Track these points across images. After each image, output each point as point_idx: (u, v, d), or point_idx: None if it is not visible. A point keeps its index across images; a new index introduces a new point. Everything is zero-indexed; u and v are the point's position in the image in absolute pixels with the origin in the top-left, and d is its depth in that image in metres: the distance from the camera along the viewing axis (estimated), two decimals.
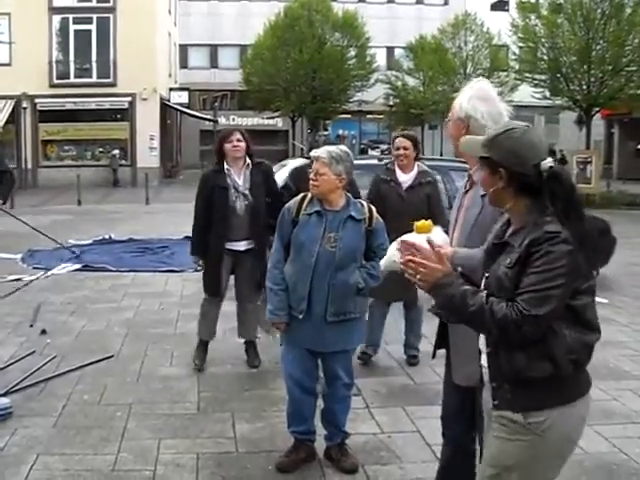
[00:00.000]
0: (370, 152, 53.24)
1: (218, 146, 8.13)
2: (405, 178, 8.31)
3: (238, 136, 7.99)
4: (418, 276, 3.33)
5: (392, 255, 3.88)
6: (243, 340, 8.52)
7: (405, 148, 8.23)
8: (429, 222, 3.86)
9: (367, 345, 8.25)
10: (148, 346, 9.00)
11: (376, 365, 8.43)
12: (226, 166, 8.03)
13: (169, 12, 50.24)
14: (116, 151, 42.74)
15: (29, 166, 41.94)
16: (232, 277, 8.41)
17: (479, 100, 4.35)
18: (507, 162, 3.32)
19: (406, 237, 3.62)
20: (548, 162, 3.28)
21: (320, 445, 5.99)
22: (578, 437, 3.49)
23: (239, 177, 8.04)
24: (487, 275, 3.46)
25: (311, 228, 5.59)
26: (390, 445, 6.26)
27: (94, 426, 6.61)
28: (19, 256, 16.03)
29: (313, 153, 5.70)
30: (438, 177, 13.16)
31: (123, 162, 42.74)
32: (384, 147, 54.34)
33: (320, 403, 5.99)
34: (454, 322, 3.47)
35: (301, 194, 5.81)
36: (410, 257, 3.37)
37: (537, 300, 3.15)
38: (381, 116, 55.58)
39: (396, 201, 8.11)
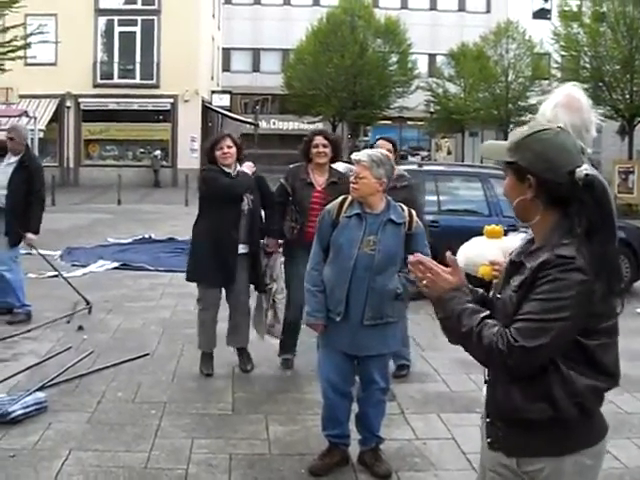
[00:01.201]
0: (410, 159, 53.07)
1: (208, 151, 8.10)
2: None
3: (228, 142, 7.98)
4: (424, 282, 2.96)
5: (476, 256, 3.68)
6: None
7: (389, 151, 7.82)
8: (500, 227, 3.72)
9: None
10: (184, 346, 8.98)
11: (412, 371, 8.33)
12: (224, 168, 7.99)
13: (213, 16, 50.46)
14: (158, 152, 43.00)
15: (71, 165, 42.38)
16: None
17: (564, 109, 4.00)
18: (536, 168, 2.88)
19: (474, 241, 3.38)
20: (584, 169, 2.83)
21: (354, 449, 5.94)
22: None
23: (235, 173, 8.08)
24: (498, 297, 3.06)
25: (351, 231, 5.56)
26: (425, 452, 6.19)
27: (128, 423, 6.63)
28: (58, 253, 16.10)
29: (354, 156, 5.67)
30: (477, 184, 13.18)
31: (164, 163, 42.98)
32: (424, 154, 54.22)
33: (355, 407, 5.94)
34: (451, 342, 3.01)
35: (341, 196, 5.78)
36: (416, 258, 3.00)
37: (531, 331, 2.75)
38: (421, 123, 55.38)
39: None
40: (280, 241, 8.27)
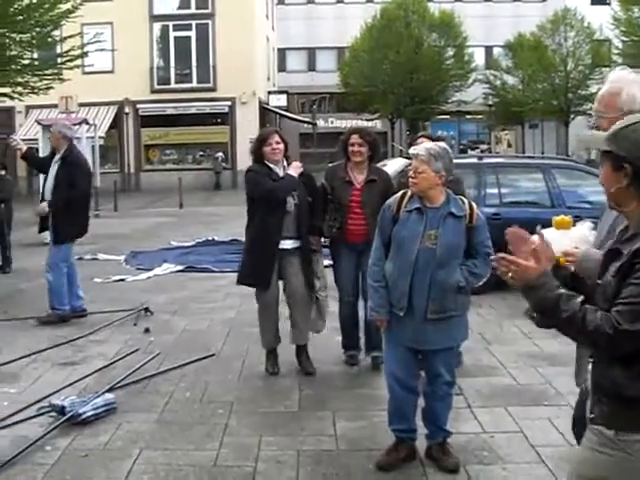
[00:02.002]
0: (470, 152, 52.73)
1: (256, 148, 8.02)
2: None
3: (277, 138, 7.91)
4: (510, 274, 3.07)
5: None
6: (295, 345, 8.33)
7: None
8: (569, 218, 3.69)
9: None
10: (249, 345, 9.01)
11: (478, 365, 8.29)
12: (270, 165, 7.94)
13: (267, 17, 50.73)
14: (220, 154, 43.27)
15: (132, 170, 42.94)
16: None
17: None
18: (633, 156, 2.98)
19: (543, 232, 3.37)
20: None
21: (421, 444, 5.92)
22: None
23: (282, 173, 7.99)
24: (599, 283, 3.14)
25: (411, 225, 5.54)
26: (493, 445, 6.14)
27: (196, 422, 6.70)
28: (122, 257, 16.31)
29: (412, 150, 5.66)
30: (539, 175, 13.05)
31: (224, 165, 43.24)
32: (484, 147, 53.82)
33: (422, 401, 5.92)
34: (545, 327, 3.18)
35: (401, 191, 5.78)
36: (502, 254, 3.12)
37: (632, 314, 2.86)
38: (480, 116, 54.91)
39: None
40: (322, 240, 8.29)
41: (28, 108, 37.89)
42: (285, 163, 8.03)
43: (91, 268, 15.28)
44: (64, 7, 23.55)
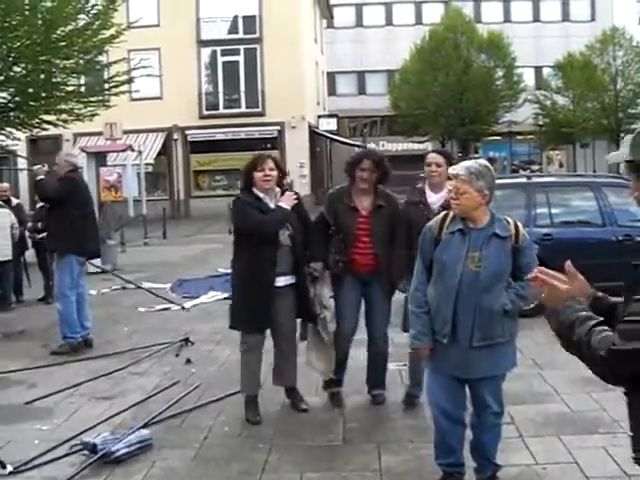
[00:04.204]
0: (521, 172, 52.20)
1: (247, 171, 7.31)
2: (435, 199, 7.40)
3: (271, 164, 7.19)
4: (543, 295, 2.93)
5: None
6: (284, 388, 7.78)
7: (438, 165, 7.32)
8: None
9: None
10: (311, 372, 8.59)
11: (530, 391, 7.93)
12: (259, 194, 7.24)
13: (315, 41, 50.67)
14: (290, 179, 42.69)
15: (181, 197, 42.92)
16: None
17: None
18: None
19: None
20: None
21: (470, 478, 5.61)
22: None
23: (272, 204, 7.27)
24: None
25: (454, 247, 5.26)
26: (545, 477, 5.82)
27: (234, 459, 6.44)
28: (168, 285, 16.11)
29: (451, 171, 5.35)
30: (590, 194, 12.67)
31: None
32: (536, 167, 53.20)
33: (469, 433, 5.62)
34: (569, 352, 2.88)
35: (443, 212, 5.45)
36: (535, 274, 2.98)
37: (630, 332, 2.60)
38: (531, 136, 54.44)
39: (423, 225, 7.01)
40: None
41: (76, 136, 38.24)
42: (278, 194, 7.33)
43: (136, 297, 15.15)
44: (108, 33, 23.49)
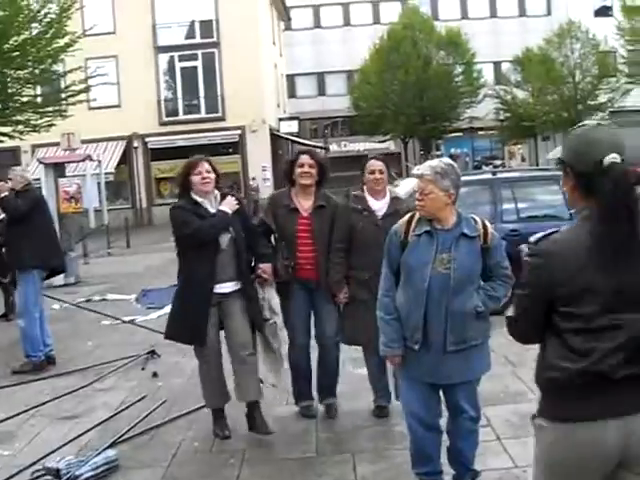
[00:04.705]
0: (484, 168, 52.29)
1: (183, 176, 6.99)
2: (378, 206, 7.20)
3: (207, 166, 6.89)
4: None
5: None
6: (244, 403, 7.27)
7: (381, 172, 7.12)
8: None
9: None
10: (263, 387, 8.35)
11: (505, 391, 7.78)
12: (198, 199, 6.94)
13: (273, 43, 50.58)
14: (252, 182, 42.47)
15: (143, 205, 42.62)
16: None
17: None
18: (569, 160, 3.28)
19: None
20: (611, 158, 3.12)
21: None
22: (552, 464, 3.34)
23: (213, 209, 6.98)
24: None
25: (421, 250, 5.06)
26: None
27: (204, 476, 6.25)
28: (133, 296, 15.84)
29: (415, 171, 5.15)
30: (555, 188, 12.53)
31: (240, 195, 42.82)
32: (498, 162, 53.36)
33: (445, 439, 5.45)
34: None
35: (408, 214, 5.27)
36: None
37: (513, 303, 3.40)
38: (492, 131, 54.63)
39: (371, 232, 6.95)
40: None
41: (34, 147, 37.80)
42: (218, 197, 7.06)
43: (100, 309, 14.86)
44: (63, 41, 23.10)
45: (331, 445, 6.74)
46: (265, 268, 7.18)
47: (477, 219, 5.22)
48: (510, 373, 8.32)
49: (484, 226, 5.19)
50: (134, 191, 43.32)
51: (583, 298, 3.13)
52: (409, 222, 5.21)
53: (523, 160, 56.98)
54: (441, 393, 5.36)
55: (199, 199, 6.95)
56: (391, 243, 5.26)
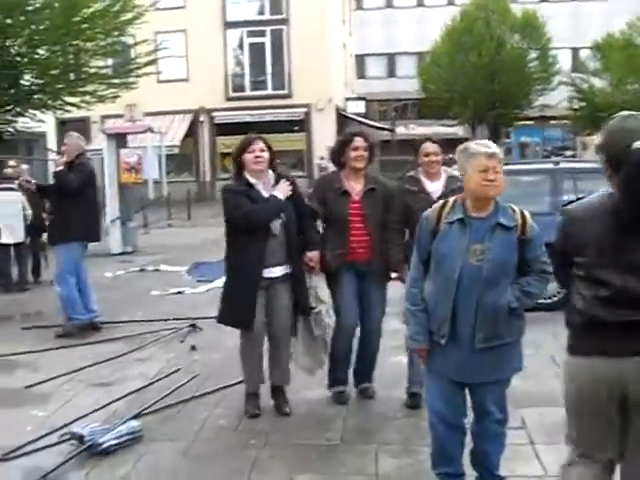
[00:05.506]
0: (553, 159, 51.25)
1: (237, 155, 6.93)
2: (434, 187, 7.06)
3: (261, 145, 6.80)
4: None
5: None
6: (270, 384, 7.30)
7: (436, 154, 7.03)
8: None
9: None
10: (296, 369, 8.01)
11: (545, 392, 7.34)
12: (251, 179, 6.85)
13: (343, 22, 50.21)
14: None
15: (207, 179, 42.77)
16: None
17: None
18: (605, 144, 3.99)
19: None
20: (638, 144, 3.68)
21: None
22: (570, 396, 4.04)
23: (266, 192, 6.88)
24: None
25: (453, 239, 4.78)
26: None
27: (224, 455, 6.12)
28: (184, 269, 15.89)
29: (486, 149, 4.82)
30: None
31: (300, 173, 42.73)
32: (569, 153, 52.43)
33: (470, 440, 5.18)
34: None
35: (441, 200, 5.05)
36: None
37: None
38: (565, 121, 53.27)
39: None
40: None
41: (103, 118, 38.14)
42: (272, 179, 6.96)
43: (151, 279, 14.99)
44: (130, 15, 23.34)
45: (357, 434, 6.54)
46: (312, 256, 7.08)
47: (515, 209, 4.91)
48: (554, 375, 7.76)
49: (522, 216, 4.87)
50: (199, 165, 43.62)
51: (589, 251, 3.87)
52: (442, 208, 4.93)
53: None
54: (467, 392, 5.08)
55: (252, 180, 6.85)
56: (421, 230, 5.01)
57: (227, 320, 7.15)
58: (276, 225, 6.80)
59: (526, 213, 4.91)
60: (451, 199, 4.95)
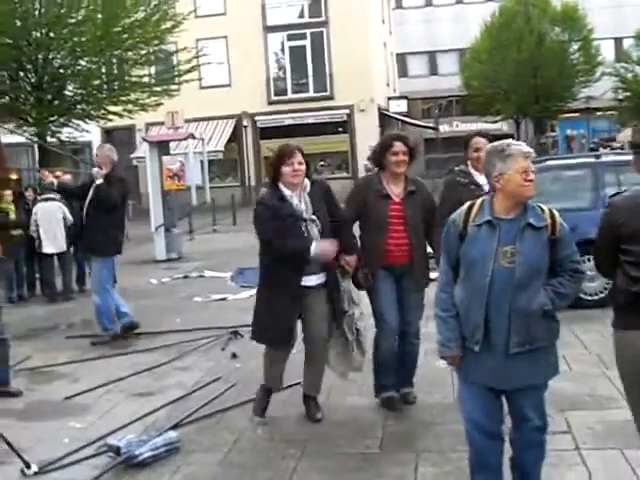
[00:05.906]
0: (602, 151, 50.57)
1: (275, 164, 6.78)
2: (484, 180, 6.55)
3: (299, 158, 6.69)
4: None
5: None
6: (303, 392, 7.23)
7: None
8: None
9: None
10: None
11: (592, 394, 7.15)
12: (286, 191, 6.74)
13: (382, 22, 50.12)
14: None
15: (252, 183, 42.79)
16: None
17: None
18: (636, 141, 3.64)
19: None
20: None
21: None
22: (622, 366, 4.51)
23: (300, 202, 6.78)
24: None
25: (482, 242, 4.64)
26: None
27: (262, 465, 6.06)
28: (228, 274, 15.88)
29: (524, 149, 4.68)
30: None
31: (344, 174, 42.71)
32: (616, 145, 51.73)
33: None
34: None
35: (468, 202, 4.89)
36: None
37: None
38: (611, 112, 52.54)
39: None
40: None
41: (148, 125, 38.48)
42: (308, 186, 6.83)
43: (195, 286, 15.03)
44: (170, 23, 23.63)
45: (396, 441, 6.42)
46: (350, 260, 6.98)
47: (544, 208, 4.76)
48: (600, 375, 7.61)
49: (552, 216, 4.72)
50: (243, 169, 43.72)
51: (636, 238, 4.27)
52: (469, 210, 4.79)
53: None
54: (504, 399, 4.91)
55: (287, 192, 6.76)
56: (449, 233, 4.85)
57: (265, 339, 7.05)
58: (314, 231, 6.75)
59: (555, 212, 4.77)
60: (478, 201, 4.82)
